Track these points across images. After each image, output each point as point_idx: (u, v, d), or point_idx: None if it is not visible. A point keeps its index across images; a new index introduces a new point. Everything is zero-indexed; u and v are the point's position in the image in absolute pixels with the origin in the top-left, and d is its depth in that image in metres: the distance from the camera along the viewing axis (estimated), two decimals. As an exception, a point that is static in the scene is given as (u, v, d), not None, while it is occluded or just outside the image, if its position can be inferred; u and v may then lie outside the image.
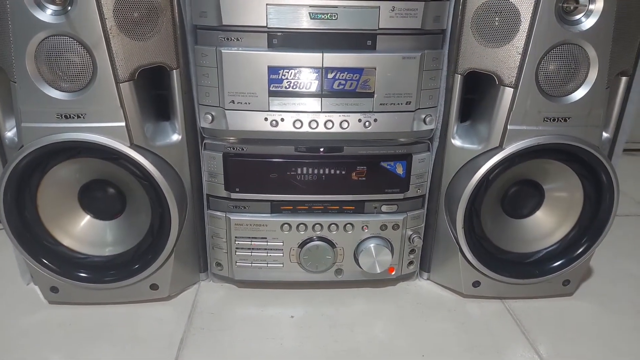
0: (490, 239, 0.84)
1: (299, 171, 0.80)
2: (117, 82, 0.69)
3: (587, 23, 0.70)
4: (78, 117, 0.71)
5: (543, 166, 0.80)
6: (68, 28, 0.66)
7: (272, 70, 0.72)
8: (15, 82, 0.69)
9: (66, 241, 0.80)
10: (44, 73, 0.68)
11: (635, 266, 1.00)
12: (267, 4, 0.69)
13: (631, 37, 0.75)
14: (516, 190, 0.82)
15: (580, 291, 0.90)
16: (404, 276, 0.91)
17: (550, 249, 0.84)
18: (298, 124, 0.76)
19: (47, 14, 0.66)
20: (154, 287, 0.83)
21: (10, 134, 0.75)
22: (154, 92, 0.79)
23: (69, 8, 0.66)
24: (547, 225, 0.84)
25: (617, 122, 0.81)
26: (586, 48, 0.71)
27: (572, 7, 0.70)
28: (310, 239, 0.84)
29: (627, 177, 1.24)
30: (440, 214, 0.86)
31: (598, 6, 0.69)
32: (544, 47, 0.70)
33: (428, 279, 0.93)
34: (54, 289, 0.82)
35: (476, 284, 0.86)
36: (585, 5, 0.70)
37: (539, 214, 0.84)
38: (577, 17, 0.70)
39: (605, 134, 0.81)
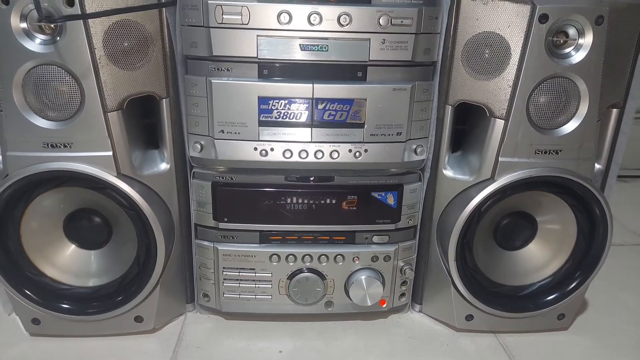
0: (483, 272, 0.82)
1: (289, 201, 0.79)
2: (105, 112, 0.69)
3: (577, 57, 0.70)
4: (65, 146, 0.70)
5: (535, 198, 0.79)
6: (57, 58, 0.65)
7: (262, 100, 0.72)
8: (1, 111, 0.68)
9: (49, 271, 0.78)
10: (31, 102, 0.68)
11: (630, 297, 0.98)
12: (257, 35, 0.69)
13: (621, 71, 0.75)
14: (509, 222, 0.81)
15: (575, 325, 0.88)
16: (395, 308, 0.89)
17: (544, 282, 0.83)
18: (288, 154, 0.75)
19: (35, 43, 0.65)
20: (138, 319, 0.81)
21: (-5, 162, 0.73)
22: (143, 121, 0.78)
23: (58, 38, 0.65)
24: (540, 257, 0.83)
25: (609, 153, 0.81)
26: (576, 81, 0.71)
27: (562, 41, 0.70)
28: (300, 271, 0.82)
29: (620, 204, 1.24)
30: (432, 245, 0.85)
31: (588, 40, 0.69)
32: (535, 80, 0.70)
33: (420, 311, 0.91)
34: (36, 321, 0.79)
35: (469, 317, 0.84)
36: (575, 39, 0.70)
37: (532, 247, 0.83)
38: (567, 50, 0.71)
39: (597, 166, 0.81)
